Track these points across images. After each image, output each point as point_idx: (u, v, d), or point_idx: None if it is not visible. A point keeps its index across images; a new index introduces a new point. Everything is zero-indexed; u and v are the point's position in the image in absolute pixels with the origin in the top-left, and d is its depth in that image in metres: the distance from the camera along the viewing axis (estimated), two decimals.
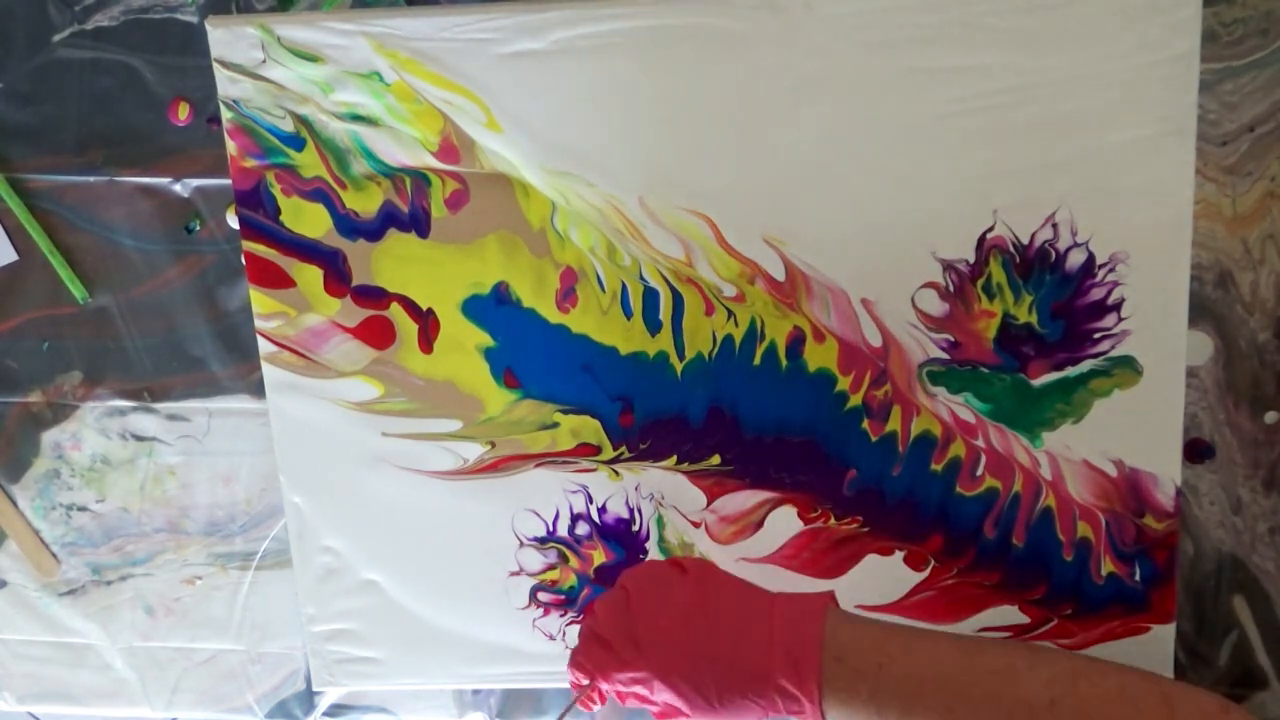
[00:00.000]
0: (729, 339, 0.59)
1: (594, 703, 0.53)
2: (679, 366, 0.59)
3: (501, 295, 0.59)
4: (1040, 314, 0.57)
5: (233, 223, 0.61)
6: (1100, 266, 0.56)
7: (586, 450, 0.61)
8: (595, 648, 0.52)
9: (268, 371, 0.61)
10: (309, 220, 0.59)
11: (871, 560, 0.60)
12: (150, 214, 0.62)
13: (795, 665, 0.47)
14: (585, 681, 0.52)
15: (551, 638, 0.63)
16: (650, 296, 0.58)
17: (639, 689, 0.51)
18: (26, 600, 0.69)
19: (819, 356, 0.58)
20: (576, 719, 0.59)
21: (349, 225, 0.59)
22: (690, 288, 0.58)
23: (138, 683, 0.69)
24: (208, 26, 0.57)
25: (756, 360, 0.59)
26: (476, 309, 0.59)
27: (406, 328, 0.60)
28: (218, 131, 0.59)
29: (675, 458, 0.60)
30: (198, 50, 0.59)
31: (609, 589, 0.56)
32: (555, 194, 0.58)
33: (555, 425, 0.60)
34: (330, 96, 0.57)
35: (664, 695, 0.50)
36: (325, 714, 0.69)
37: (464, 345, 0.60)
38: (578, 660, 0.53)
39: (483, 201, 0.58)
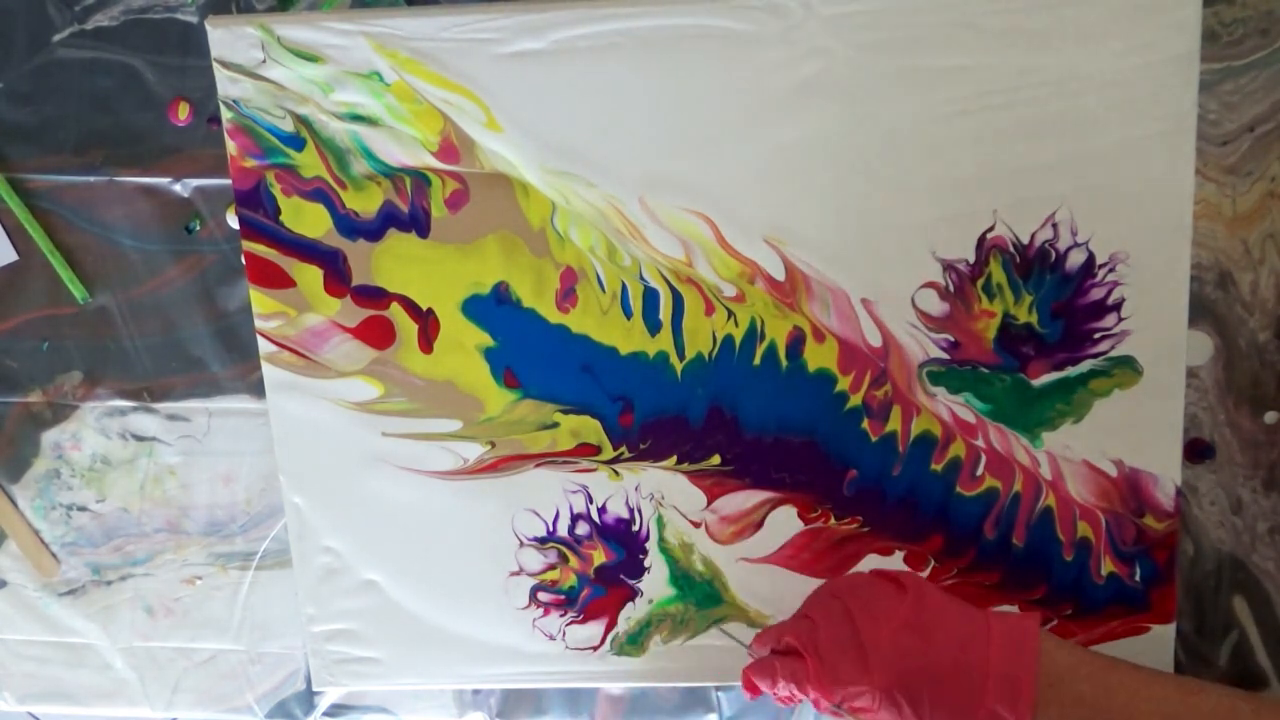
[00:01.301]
0: (729, 339, 0.59)
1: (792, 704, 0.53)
2: (679, 366, 0.59)
3: (501, 295, 0.59)
4: (1040, 314, 0.57)
5: (233, 223, 0.61)
6: (1100, 266, 0.56)
7: (586, 450, 0.61)
8: (812, 661, 0.50)
9: (268, 371, 0.61)
10: (309, 220, 0.59)
11: (871, 560, 0.60)
12: (150, 214, 0.62)
13: (1012, 692, 0.46)
14: (796, 694, 0.51)
15: (551, 638, 0.63)
16: (650, 296, 0.58)
17: (858, 702, 0.49)
18: (26, 600, 0.69)
19: (819, 356, 0.58)
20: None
21: (349, 225, 0.59)
22: (690, 288, 0.58)
23: (138, 683, 0.69)
24: (208, 26, 0.57)
25: (756, 360, 0.59)
26: (476, 309, 0.60)
27: (406, 328, 0.60)
28: (218, 131, 0.59)
29: (675, 458, 0.60)
30: (198, 50, 0.59)
31: (818, 599, 0.54)
32: (555, 194, 0.58)
33: (555, 425, 0.60)
34: (330, 96, 0.57)
35: (882, 714, 0.49)
36: (325, 714, 0.69)
37: (464, 345, 0.60)
38: (789, 671, 0.51)
39: (483, 201, 0.58)
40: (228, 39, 0.57)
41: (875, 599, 0.51)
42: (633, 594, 0.62)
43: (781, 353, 0.58)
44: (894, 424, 0.59)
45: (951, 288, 0.57)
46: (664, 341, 0.59)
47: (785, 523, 0.60)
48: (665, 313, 0.59)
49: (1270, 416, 0.58)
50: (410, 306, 0.60)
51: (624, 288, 0.58)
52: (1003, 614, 0.50)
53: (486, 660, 0.64)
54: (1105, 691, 0.47)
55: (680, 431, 0.60)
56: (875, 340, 0.58)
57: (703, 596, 0.62)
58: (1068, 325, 0.57)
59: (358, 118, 0.58)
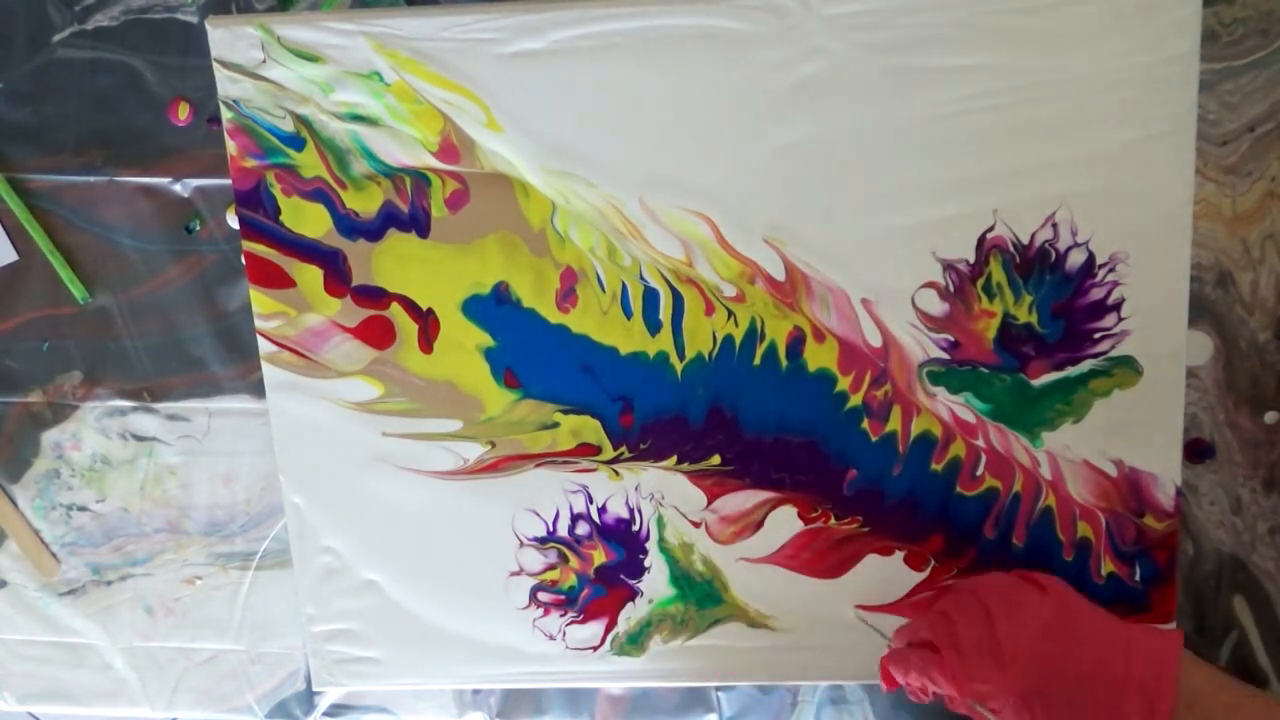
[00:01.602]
0: (729, 339, 0.59)
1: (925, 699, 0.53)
2: (679, 366, 0.59)
3: (501, 295, 0.59)
4: (1040, 314, 0.57)
5: (233, 223, 0.61)
6: (1100, 266, 0.56)
7: (586, 450, 0.61)
8: (949, 655, 0.50)
9: (268, 371, 0.61)
10: (309, 220, 0.59)
11: (871, 560, 0.60)
12: (150, 214, 0.62)
13: (1150, 706, 0.46)
14: (929, 686, 0.52)
15: (551, 638, 0.63)
16: (650, 296, 0.58)
17: (992, 703, 0.49)
18: (26, 600, 0.69)
19: (819, 356, 0.58)
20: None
21: (349, 225, 0.59)
22: (690, 288, 0.58)
23: (138, 683, 0.69)
24: (208, 26, 0.58)
25: (756, 360, 0.59)
26: (476, 309, 0.60)
27: (406, 328, 0.60)
28: (218, 131, 0.59)
29: (675, 458, 0.60)
30: (198, 50, 0.59)
31: (957, 596, 0.53)
32: (555, 194, 0.58)
33: (555, 425, 0.60)
34: (330, 96, 0.57)
35: (1010, 716, 0.49)
36: (325, 714, 0.69)
37: (464, 345, 0.60)
38: (923, 663, 0.52)
39: (483, 201, 0.58)
40: (228, 39, 0.57)
41: (1016, 600, 0.51)
42: (633, 594, 0.62)
43: (781, 353, 0.58)
44: (894, 424, 0.59)
45: (951, 288, 0.57)
46: (664, 341, 0.59)
47: (785, 523, 0.60)
48: (665, 313, 0.59)
49: (1270, 416, 0.58)
50: (410, 306, 0.60)
51: (624, 288, 0.58)
52: (1145, 627, 0.50)
53: (486, 660, 0.64)
54: (1242, 716, 0.46)
55: (680, 431, 0.60)
56: (875, 340, 0.58)
57: (703, 596, 0.62)
58: (1068, 325, 0.57)
59: (358, 118, 0.58)
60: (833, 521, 0.60)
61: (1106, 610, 0.51)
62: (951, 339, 0.57)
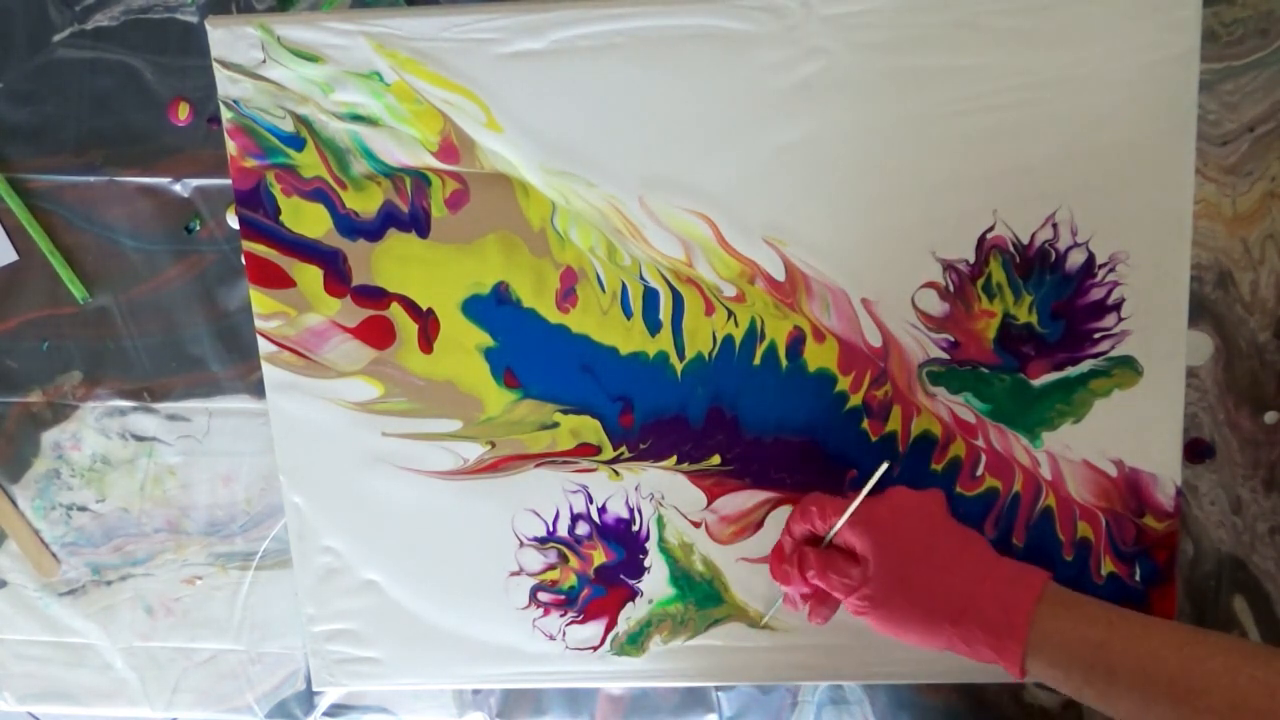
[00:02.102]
0: (729, 339, 0.59)
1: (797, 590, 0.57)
2: (679, 366, 0.59)
3: (501, 295, 0.59)
4: (1040, 314, 0.57)
5: (233, 223, 0.61)
6: (1100, 266, 0.56)
7: (586, 450, 0.61)
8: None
9: (268, 371, 0.61)
10: (309, 220, 0.59)
11: None
12: (150, 214, 0.62)
13: (998, 637, 0.49)
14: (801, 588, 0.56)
15: (551, 638, 0.63)
16: (650, 296, 0.58)
17: (853, 597, 0.53)
18: (26, 600, 0.69)
19: (819, 356, 0.58)
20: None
21: (349, 225, 0.59)
22: (690, 288, 0.58)
23: (138, 683, 0.69)
24: (208, 26, 0.58)
25: (756, 360, 0.59)
26: (476, 309, 0.59)
27: (406, 328, 0.60)
28: (218, 131, 0.59)
29: (675, 458, 0.60)
30: (198, 50, 0.59)
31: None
32: (555, 194, 0.58)
33: (555, 425, 0.60)
34: (330, 96, 0.57)
35: (871, 611, 0.52)
36: (325, 714, 0.69)
37: (464, 345, 0.60)
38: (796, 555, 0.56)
39: (483, 201, 0.58)
40: (228, 39, 0.57)
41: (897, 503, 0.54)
42: (633, 594, 0.62)
43: (781, 353, 0.58)
44: (894, 424, 0.59)
45: (951, 288, 0.57)
46: (664, 341, 0.59)
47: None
48: (665, 313, 0.59)
49: (1270, 416, 0.58)
50: (410, 306, 0.60)
51: (624, 288, 0.58)
52: (1015, 564, 0.52)
53: (486, 660, 0.64)
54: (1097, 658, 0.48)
55: (680, 431, 0.60)
56: (875, 340, 0.58)
57: (703, 596, 0.62)
58: (1068, 325, 0.57)
59: (358, 118, 0.58)
60: None
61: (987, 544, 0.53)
62: (951, 339, 0.57)
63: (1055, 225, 0.56)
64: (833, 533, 0.54)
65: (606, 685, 0.65)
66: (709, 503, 0.61)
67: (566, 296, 0.59)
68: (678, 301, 0.58)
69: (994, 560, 0.52)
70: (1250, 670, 0.45)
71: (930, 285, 0.57)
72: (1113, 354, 0.57)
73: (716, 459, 0.60)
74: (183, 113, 0.61)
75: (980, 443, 0.58)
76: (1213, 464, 0.59)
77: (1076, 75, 0.54)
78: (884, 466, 0.54)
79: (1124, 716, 0.48)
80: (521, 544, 0.62)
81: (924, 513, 0.53)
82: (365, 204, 0.59)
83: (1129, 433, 0.57)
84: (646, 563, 0.62)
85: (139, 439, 0.65)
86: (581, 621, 0.63)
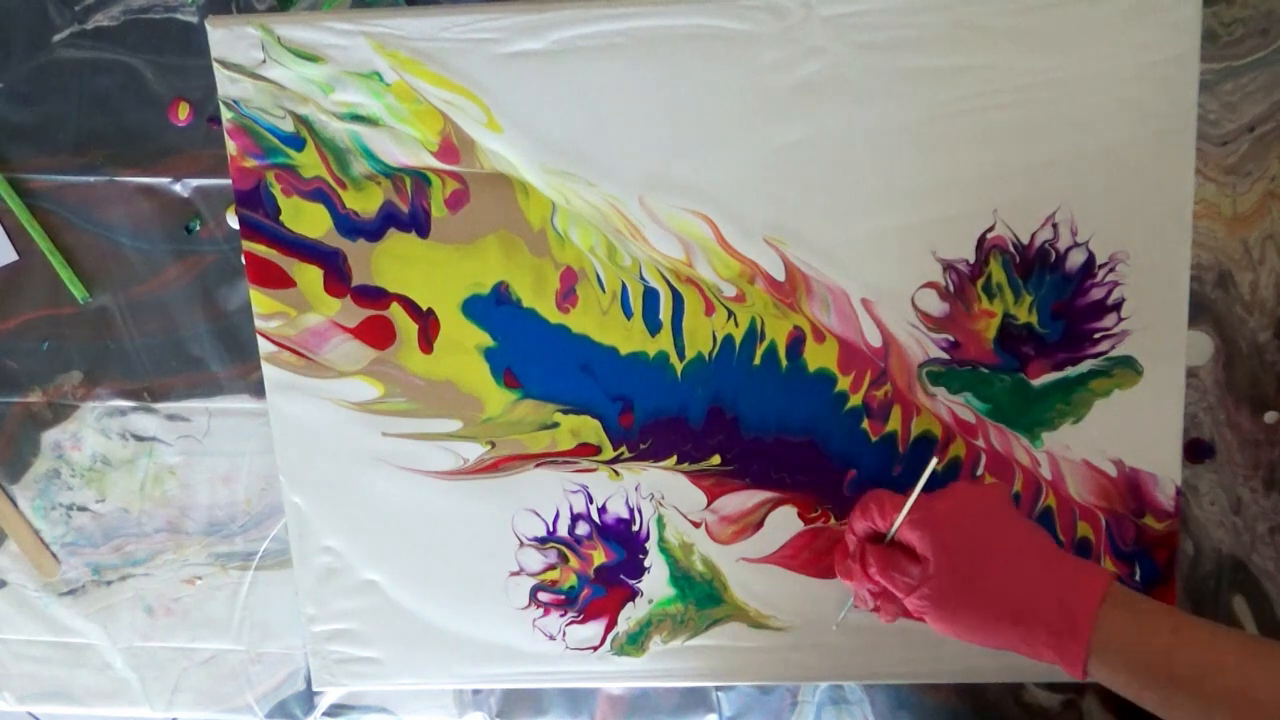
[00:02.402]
0: (729, 339, 0.59)
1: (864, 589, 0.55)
2: (679, 366, 0.59)
3: (501, 295, 0.59)
4: (1040, 314, 0.57)
5: (233, 223, 0.61)
6: (1100, 266, 0.56)
7: (586, 450, 0.61)
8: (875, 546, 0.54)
9: (268, 371, 0.61)
10: (309, 220, 0.59)
11: None
12: (150, 214, 0.62)
13: (1060, 638, 0.48)
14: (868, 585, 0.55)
15: (551, 638, 0.63)
16: (650, 296, 0.58)
17: (913, 597, 0.52)
18: (26, 600, 0.69)
19: (819, 356, 0.58)
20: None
21: (349, 225, 0.59)
22: (690, 288, 0.58)
23: (138, 683, 0.69)
24: (208, 26, 0.58)
25: (756, 360, 0.59)
26: (476, 309, 0.59)
27: (406, 328, 0.60)
28: (218, 131, 0.59)
29: (675, 458, 0.60)
30: (198, 50, 0.59)
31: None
32: (555, 194, 0.58)
33: (555, 425, 0.60)
34: (330, 96, 0.57)
35: (931, 608, 0.51)
36: (325, 714, 0.69)
37: (464, 345, 0.60)
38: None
39: (483, 201, 0.58)
40: (228, 39, 0.57)
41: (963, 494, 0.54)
42: (633, 594, 0.62)
43: (781, 353, 0.58)
44: (894, 424, 0.59)
45: (951, 288, 0.57)
46: (664, 341, 0.59)
47: (785, 523, 0.60)
48: (665, 313, 0.59)
49: (1270, 416, 0.58)
50: (410, 306, 0.60)
51: (624, 288, 0.58)
52: (1079, 561, 0.51)
53: (486, 660, 0.64)
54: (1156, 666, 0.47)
55: (680, 431, 0.60)
56: (875, 340, 0.58)
57: (703, 596, 0.62)
58: (1068, 325, 0.57)
59: (358, 118, 0.58)
60: (833, 521, 0.60)
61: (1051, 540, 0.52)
62: (951, 339, 0.57)
63: (1055, 225, 0.56)
64: (894, 529, 0.53)
65: (606, 685, 0.65)
66: (709, 503, 0.61)
67: (566, 296, 0.59)
68: (678, 301, 0.58)
69: (1058, 557, 0.50)
70: None
71: (930, 285, 0.57)
72: (1113, 354, 0.57)
73: (716, 459, 0.60)
74: (183, 113, 0.61)
75: (980, 443, 0.58)
76: (1213, 464, 0.59)
77: (1076, 75, 0.54)
78: (933, 463, 0.53)
79: None
80: (521, 544, 0.62)
81: (986, 509, 0.52)
82: (365, 204, 0.59)
83: (1129, 433, 0.57)
84: (646, 563, 0.62)
85: (139, 439, 0.65)
86: (581, 621, 0.63)
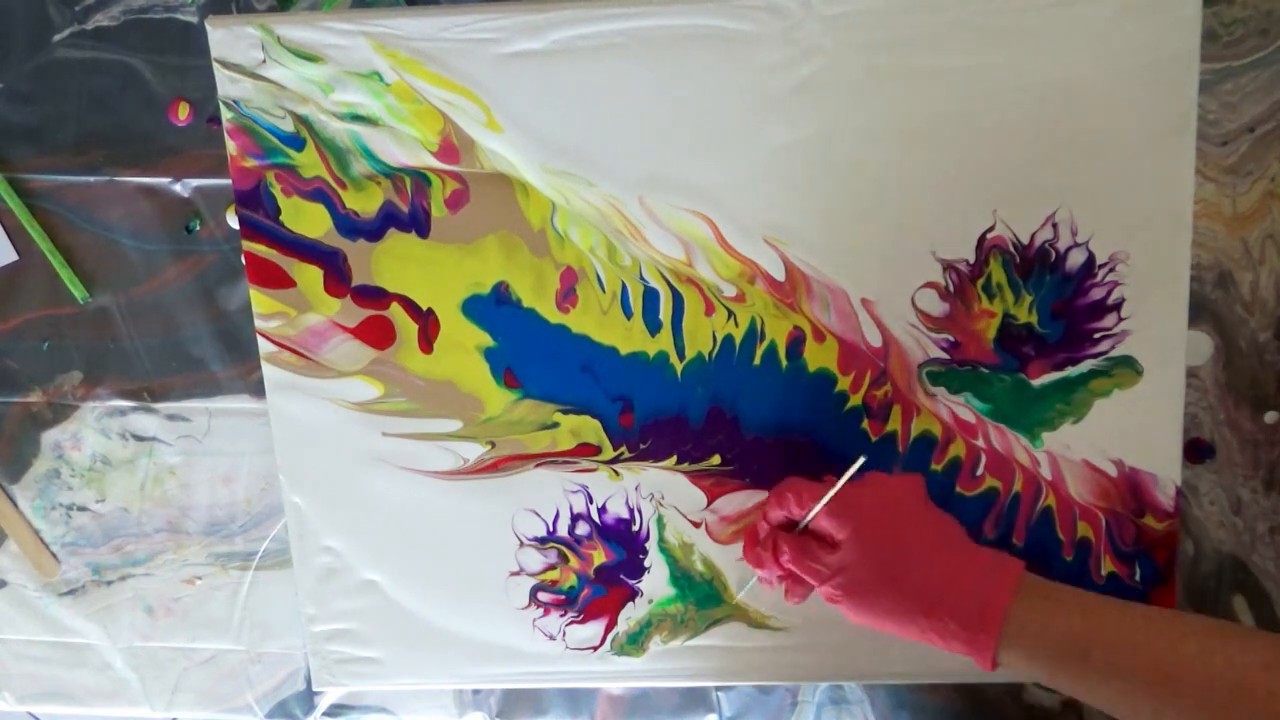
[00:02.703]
0: (729, 339, 0.59)
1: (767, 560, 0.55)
2: (679, 366, 0.59)
3: (501, 295, 0.59)
4: (1040, 314, 0.57)
5: (233, 223, 0.61)
6: (1100, 266, 0.56)
7: (586, 450, 0.61)
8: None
9: (268, 371, 0.61)
10: (309, 220, 0.59)
11: None
12: (150, 214, 0.62)
13: (970, 630, 0.48)
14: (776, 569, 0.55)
15: (551, 638, 0.63)
16: (650, 296, 0.58)
17: (826, 585, 0.52)
18: (26, 600, 0.69)
19: (819, 356, 0.58)
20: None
21: (349, 225, 0.59)
22: (690, 288, 0.58)
23: (138, 683, 0.69)
24: (208, 26, 0.58)
25: (756, 360, 0.59)
26: (476, 309, 0.60)
27: (406, 328, 0.60)
28: (218, 131, 0.59)
29: (675, 458, 0.60)
30: (198, 50, 0.59)
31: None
32: (555, 194, 0.58)
33: (555, 425, 0.60)
34: (330, 96, 0.57)
35: (842, 595, 0.51)
36: (325, 714, 0.69)
37: (464, 345, 0.60)
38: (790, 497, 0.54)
39: (483, 201, 0.58)
40: (228, 39, 0.57)
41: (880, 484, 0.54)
42: (633, 594, 0.62)
43: (781, 353, 0.58)
44: (894, 424, 0.59)
45: (951, 288, 0.57)
46: (664, 341, 0.59)
47: None
48: (665, 313, 0.59)
49: (1270, 416, 0.58)
50: (410, 306, 0.60)
51: (624, 288, 0.58)
52: (992, 552, 0.51)
53: (486, 660, 0.64)
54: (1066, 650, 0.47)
55: (680, 431, 0.60)
56: (875, 340, 0.58)
57: (703, 596, 0.62)
58: (1068, 325, 0.57)
59: (358, 118, 0.58)
60: None
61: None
62: (951, 339, 0.57)
63: (1055, 225, 0.56)
64: (808, 519, 0.54)
65: (606, 685, 0.65)
66: (709, 503, 0.61)
67: (566, 296, 0.59)
68: (678, 301, 0.58)
69: (972, 550, 0.51)
70: (1226, 651, 0.44)
71: (930, 285, 0.57)
72: (1113, 354, 0.57)
73: (716, 459, 0.60)
74: (183, 113, 0.61)
75: (980, 443, 0.58)
76: (1213, 464, 0.59)
77: (1077, 75, 0.54)
78: (860, 461, 0.53)
79: (1104, 704, 0.47)
80: (521, 544, 0.62)
81: (901, 500, 0.53)
82: (365, 204, 0.59)
83: (1129, 433, 0.57)
84: (646, 563, 0.62)
85: (139, 439, 0.65)
86: (581, 621, 0.63)
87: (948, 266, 0.57)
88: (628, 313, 0.59)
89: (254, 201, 0.59)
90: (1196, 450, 0.59)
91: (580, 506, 0.61)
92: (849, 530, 0.51)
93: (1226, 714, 0.44)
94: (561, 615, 0.63)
